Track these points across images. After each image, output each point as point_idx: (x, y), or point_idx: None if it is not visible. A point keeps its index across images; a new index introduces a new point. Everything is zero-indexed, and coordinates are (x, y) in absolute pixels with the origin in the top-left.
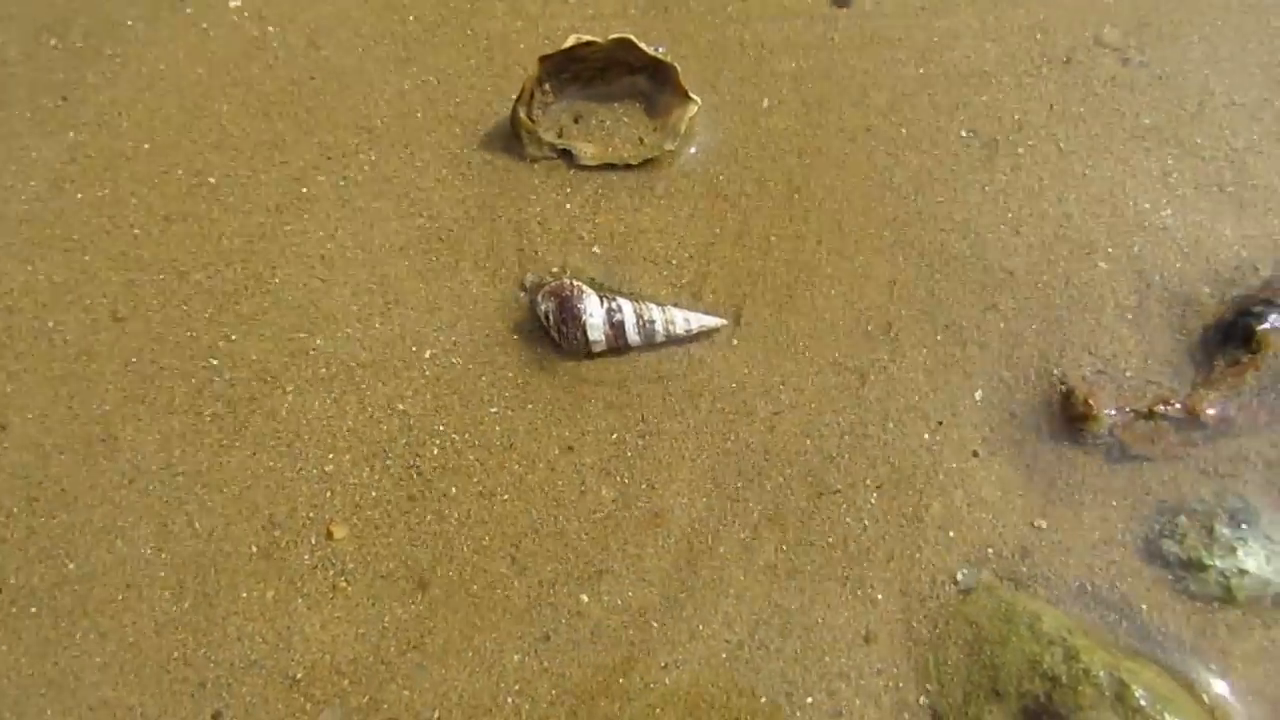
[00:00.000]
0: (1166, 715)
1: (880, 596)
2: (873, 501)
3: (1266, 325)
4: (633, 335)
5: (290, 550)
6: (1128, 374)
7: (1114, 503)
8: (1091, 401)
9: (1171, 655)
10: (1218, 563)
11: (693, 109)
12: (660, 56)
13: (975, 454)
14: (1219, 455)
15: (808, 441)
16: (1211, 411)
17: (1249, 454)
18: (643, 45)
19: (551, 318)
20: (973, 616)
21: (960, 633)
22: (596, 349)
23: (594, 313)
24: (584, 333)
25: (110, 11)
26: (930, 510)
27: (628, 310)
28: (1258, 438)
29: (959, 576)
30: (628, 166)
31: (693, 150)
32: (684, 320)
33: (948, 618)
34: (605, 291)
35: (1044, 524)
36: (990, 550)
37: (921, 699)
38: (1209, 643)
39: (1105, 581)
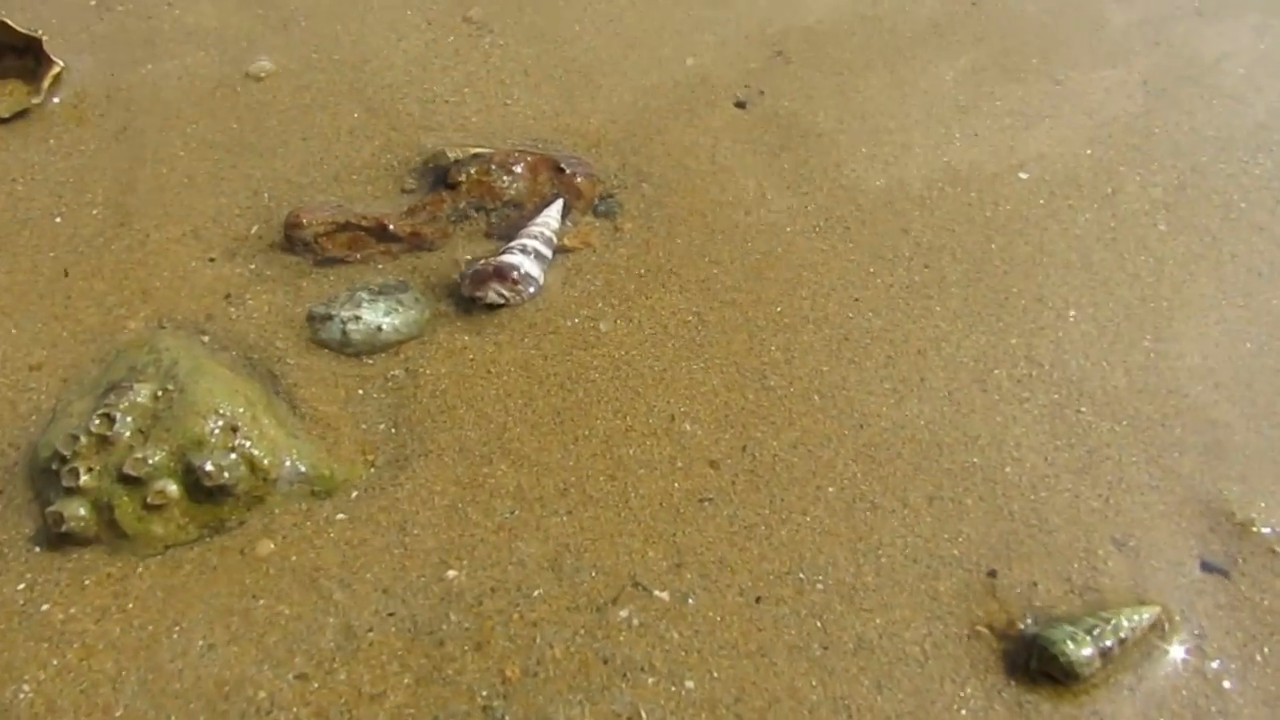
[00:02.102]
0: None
1: None
2: None
3: (462, 176)
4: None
5: None
6: (355, 206)
7: (304, 285)
8: (303, 217)
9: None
10: (341, 312)
11: (56, 69)
12: (31, 33)
13: (212, 260)
14: (415, 257)
15: None
16: (392, 227)
17: (446, 255)
18: (16, 26)
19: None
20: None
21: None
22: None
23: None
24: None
25: None
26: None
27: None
28: (449, 245)
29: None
30: (1, 120)
31: (56, 100)
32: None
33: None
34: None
35: (233, 310)
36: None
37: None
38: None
39: (264, 340)
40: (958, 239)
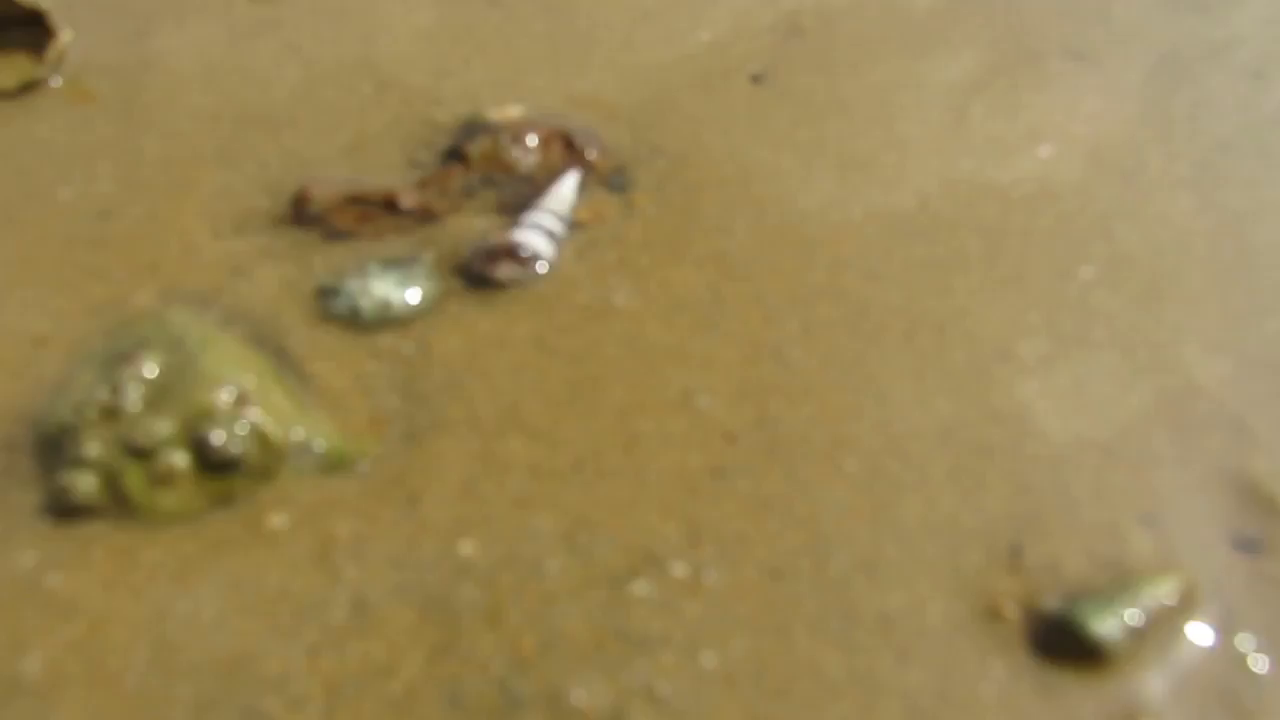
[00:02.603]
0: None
1: None
2: None
3: (472, 149)
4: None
5: None
6: (365, 179)
7: (313, 259)
8: (312, 191)
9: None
10: (351, 286)
11: (62, 41)
12: (37, 5)
13: (220, 234)
14: (425, 231)
15: None
16: (403, 201)
17: (457, 230)
18: None
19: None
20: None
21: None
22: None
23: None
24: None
25: None
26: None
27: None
28: (459, 219)
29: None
30: (7, 92)
31: (61, 73)
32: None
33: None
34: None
35: (241, 284)
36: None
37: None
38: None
39: (273, 314)
40: (977, 214)
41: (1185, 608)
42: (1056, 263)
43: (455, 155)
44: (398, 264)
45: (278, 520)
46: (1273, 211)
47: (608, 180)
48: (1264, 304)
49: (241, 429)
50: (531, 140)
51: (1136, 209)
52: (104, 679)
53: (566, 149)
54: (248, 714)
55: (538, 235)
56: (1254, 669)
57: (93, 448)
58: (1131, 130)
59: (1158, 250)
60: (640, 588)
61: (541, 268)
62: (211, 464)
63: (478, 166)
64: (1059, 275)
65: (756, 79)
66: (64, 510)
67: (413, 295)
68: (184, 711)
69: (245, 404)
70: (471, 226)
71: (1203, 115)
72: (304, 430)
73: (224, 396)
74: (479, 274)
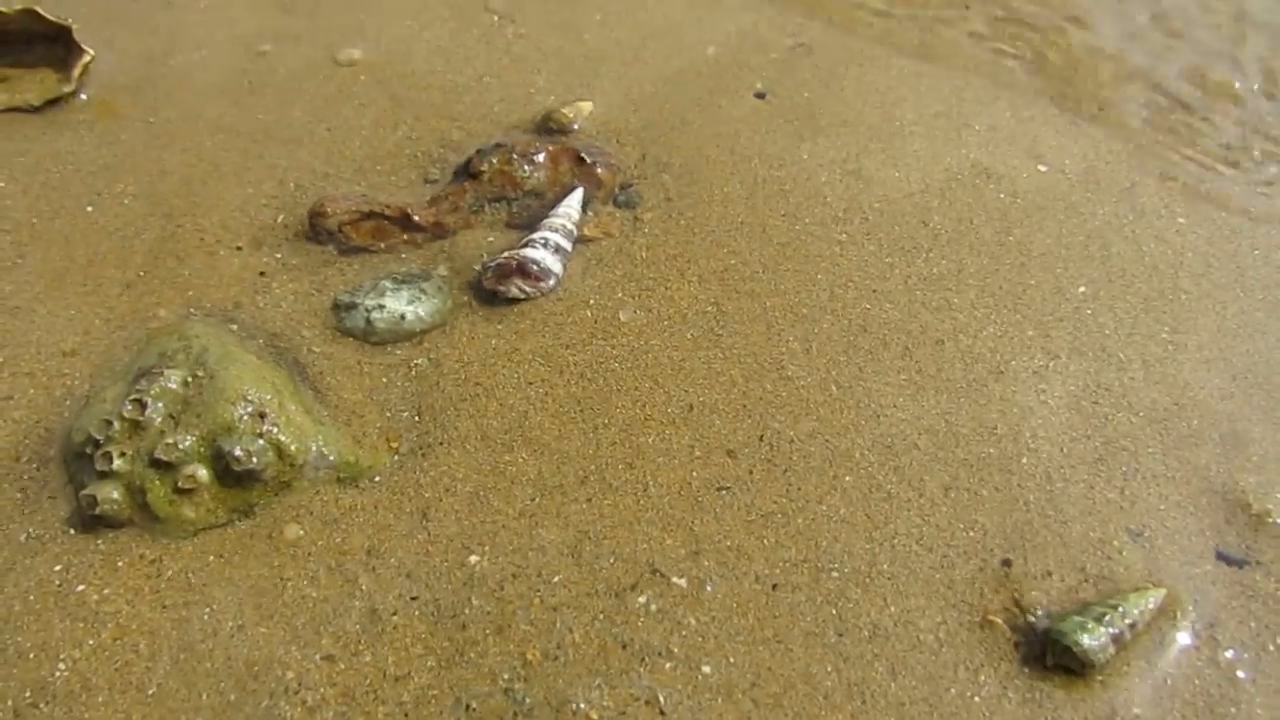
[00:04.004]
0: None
1: None
2: None
3: (484, 166)
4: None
5: None
6: (379, 195)
7: (329, 274)
8: (328, 206)
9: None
10: (366, 301)
11: (87, 58)
12: (62, 22)
13: (239, 248)
14: (437, 246)
15: None
16: (416, 217)
17: (468, 245)
18: (47, 15)
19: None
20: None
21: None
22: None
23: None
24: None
25: None
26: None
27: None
28: (470, 235)
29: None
30: (33, 107)
31: (86, 89)
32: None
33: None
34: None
35: (260, 298)
36: (209, 305)
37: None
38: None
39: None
40: (976, 230)
41: (1170, 621)
42: (1052, 279)
43: (468, 172)
44: (411, 279)
45: (295, 531)
46: (1267, 228)
47: (615, 196)
48: (1256, 321)
49: (260, 443)
50: (540, 157)
51: (1132, 225)
52: (128, 684)
53: (575, 165)
54: (266, 718)
55: (546, 252)
56: (1236, 678)
57: (118, 461)
58: (1128, 146)
59: (1152, 267)
60: (643, 599)
61: (550, 284)
62: (231, 476)
63: (489, 183)
64: (1055, 291)
65: (761, 95)
66: (90, 521)
67: (425, 310)
68: (205, 716)
69: (264, 419)
70: (482, 242)
71: (1199, 132)
72: (320, 444)
73: (244, 411)
74: (489, 290)
